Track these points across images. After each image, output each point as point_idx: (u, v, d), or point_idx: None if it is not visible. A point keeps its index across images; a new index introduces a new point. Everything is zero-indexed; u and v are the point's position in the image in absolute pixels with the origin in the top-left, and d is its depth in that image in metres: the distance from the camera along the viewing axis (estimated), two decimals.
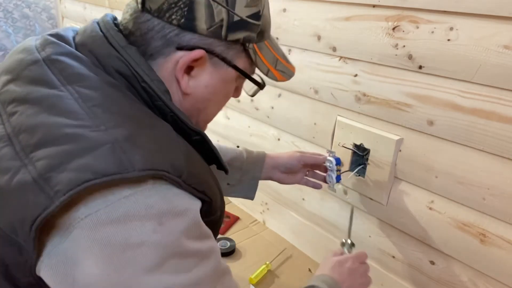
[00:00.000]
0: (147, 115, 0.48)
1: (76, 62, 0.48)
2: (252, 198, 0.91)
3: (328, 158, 0.90)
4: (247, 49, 0.55)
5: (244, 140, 1.34)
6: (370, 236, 1.01)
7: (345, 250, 0.90)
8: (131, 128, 0.42)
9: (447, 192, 0.81)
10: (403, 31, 0.80)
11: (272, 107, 1.18)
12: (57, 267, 0.38)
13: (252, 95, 0.65)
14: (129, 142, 0.40)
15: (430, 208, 0.85)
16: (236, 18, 0.51)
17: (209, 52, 0.51)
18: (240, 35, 0.52)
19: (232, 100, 1.33)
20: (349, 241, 0.91)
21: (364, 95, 0.92)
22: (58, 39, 0.52)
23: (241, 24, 0.52)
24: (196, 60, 0.51)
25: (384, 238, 0.97)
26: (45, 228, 0.38)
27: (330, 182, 0.91)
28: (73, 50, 0.50)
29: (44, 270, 0.39)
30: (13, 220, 0.38)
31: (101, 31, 0.52)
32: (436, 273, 0.88)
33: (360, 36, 0.89)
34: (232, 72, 0.55)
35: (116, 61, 0.49)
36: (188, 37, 0.50)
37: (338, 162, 0.89)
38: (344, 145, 0.97)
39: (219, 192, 0.54)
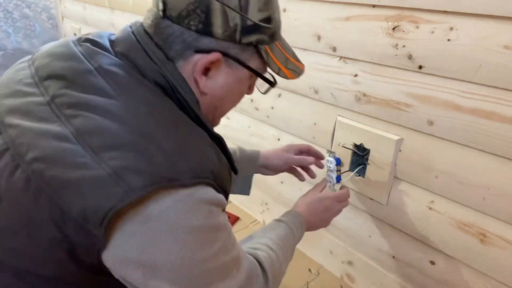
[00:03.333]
0: (186, 122, 0.55)
1: (124, 72, 0.53)
2: (247, 193, 0.95)
3: (328, 158, 0.90)
4: (259, 51, 0.59)
5: (244, 140, 1.34)
6: (370, 236, 1.01)
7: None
8: (180, 138, 0.50)
9: (447, 192, 0.81)
10: (403, 31, 0.80)
11: (272, 107, 1.18)
12: (137, 250, 0.45)
13: (264, 93, 0.69)
14: (180, 152, 0.48)
15: (430, 208, 0.85)
16: (249, 23, 0.54)
17: (225, 54, 0.56)
18: (253, 38, 0.56)
19: None
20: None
21: (364, 95, 0.92)
22: (101, 48, 0.56)
23: (254, 28, 0.55)
24: (213, 62, 0.56)
25: (384, 238, 0.97)
26: (114, 218, 0.44)
27: (330, 182, 0.91)
28: (118, 60, 0.55)
29: (119, 254, 0.45)
30: (86, 208, 0.43)
31: (139, 42, 0.56)
32: (436, 273, 0.88)
33: (360, 36, 0.89)
34: (245, 72, 0.60)
35: (157, 75, 0.54)
36: (205, 41, 0.54)
37: (338, 162, 0.89)
38: (344, 145, 0.97)
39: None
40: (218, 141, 0.58)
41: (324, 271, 1.16)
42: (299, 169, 0.95)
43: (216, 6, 0.52)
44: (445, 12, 0.73)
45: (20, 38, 2.47)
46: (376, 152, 0.91)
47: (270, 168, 0.93)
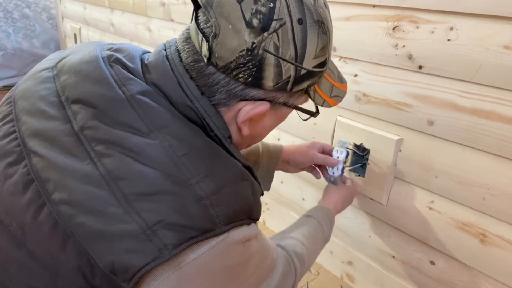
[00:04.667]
0: (220, 154, 0.52)
1: (156, 103, 0.50)
2: (267, 189, 0.94)
3: (339, 149, 0.87)
4: (308, 92, 0.57)
5: None
6: (370, 236, 1.01)
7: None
8: (216, 178, 0.48)
9: (447, 192, 0.81)
10: (403, 31, 0.80)
11: None
12: None
13: (305, 120, 0.67)
14: (216, 196, 0.47)
15: (430, 208, 0.85)
16: (303, 72, 0.51)
17: (273, 102, 0.54)
18: (304, 85, 0.53)
19: None
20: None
21: (364, 95, 0.92)
22: (131, 72, 0.53)
23: (307, 75, 0.52)
24: (260, 113, 0.53)
25: (384, 238, 0.97)
26: (146, 273, 0.43)
27: (333, 173, 0.88)
28: (149, 88, 0.52)
29: None
30: (116, 263, 0.42)
31: (173, 72, 0.52)
32: (436, 273, 0.88)
33: (360, 36, 0.89)
34: (290, 110, 0.58)
35: (188, 110, 0.52)
36: (253, 93, 0.52)
37: (347, 155, 0.89)
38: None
39: None
40: (248, 169, 0.56)
41: (324, 271, 1.16)
42: (317, 167, 0.94)
43: (271, 61, 0.48)
44: (445, 12, 0.73)
45: (20, 38, 2.47)
46: (376, 152, 0.91)
47: (292, 164, 0.92)
